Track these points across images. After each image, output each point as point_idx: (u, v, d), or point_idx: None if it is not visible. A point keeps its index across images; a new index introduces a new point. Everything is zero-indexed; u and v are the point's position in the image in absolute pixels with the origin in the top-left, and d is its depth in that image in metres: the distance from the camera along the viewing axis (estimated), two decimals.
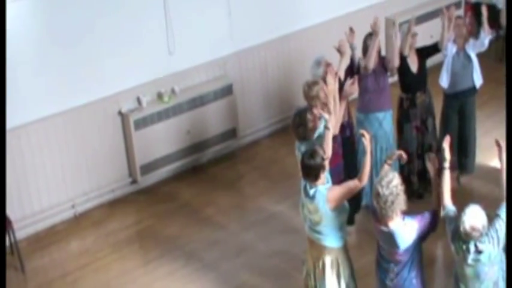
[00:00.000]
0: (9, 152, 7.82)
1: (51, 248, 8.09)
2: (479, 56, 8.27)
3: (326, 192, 5.92)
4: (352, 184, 6.00)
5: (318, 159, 5.90)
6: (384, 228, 5.61)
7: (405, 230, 5.58)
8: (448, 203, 5.67)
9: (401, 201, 5.55)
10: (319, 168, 5.92)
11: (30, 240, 8.19)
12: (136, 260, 7.84)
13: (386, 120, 8.03)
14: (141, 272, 7.67)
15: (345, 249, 6.25)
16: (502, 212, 5.43)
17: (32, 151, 8.09)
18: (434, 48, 8.11)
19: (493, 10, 10.96)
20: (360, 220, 7.90)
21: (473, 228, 5.28)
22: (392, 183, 5.53)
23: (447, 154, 5.74)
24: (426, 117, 8.24)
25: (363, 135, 6.12)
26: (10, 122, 7.78)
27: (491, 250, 5.38)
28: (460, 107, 8.38)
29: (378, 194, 5.52)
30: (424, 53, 8.11)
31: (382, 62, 7.98)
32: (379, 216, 5.60)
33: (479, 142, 8.66)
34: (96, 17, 8.19)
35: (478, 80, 8.27)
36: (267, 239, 7.94)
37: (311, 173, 5.95)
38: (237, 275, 7.51)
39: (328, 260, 6.16)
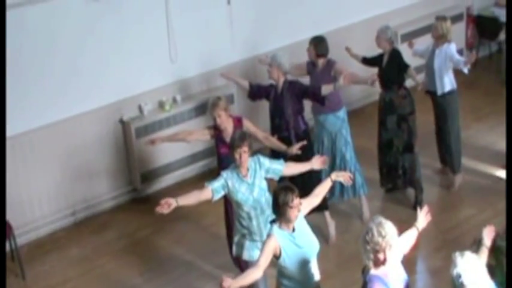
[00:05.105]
0: (11, 159, 7.87)
1: (52, 255, 8.12)
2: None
3: None
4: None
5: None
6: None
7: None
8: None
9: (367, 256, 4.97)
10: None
11: (31, 247, 8.22)
12: (135, 269, 7.86)
13: (328, 121, 8.05)
14: (139, 280, 7.69)
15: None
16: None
17: (34, 157, 8.13)
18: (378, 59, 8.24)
19: (495, 23, 11.02)
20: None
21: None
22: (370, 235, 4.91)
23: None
24: (385, 114, 8.25)
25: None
26: (12, 129, 7.84)
27: None
28: (434, 106, 8.48)
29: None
30: (395, 60, 8.06)
31: (331, 67, 7.94)
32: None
33: (481, 153, 8.78)
34: (98, 25, 8.24)
35: (440, 86, 8.24)
36: None
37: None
38: None
39: None
